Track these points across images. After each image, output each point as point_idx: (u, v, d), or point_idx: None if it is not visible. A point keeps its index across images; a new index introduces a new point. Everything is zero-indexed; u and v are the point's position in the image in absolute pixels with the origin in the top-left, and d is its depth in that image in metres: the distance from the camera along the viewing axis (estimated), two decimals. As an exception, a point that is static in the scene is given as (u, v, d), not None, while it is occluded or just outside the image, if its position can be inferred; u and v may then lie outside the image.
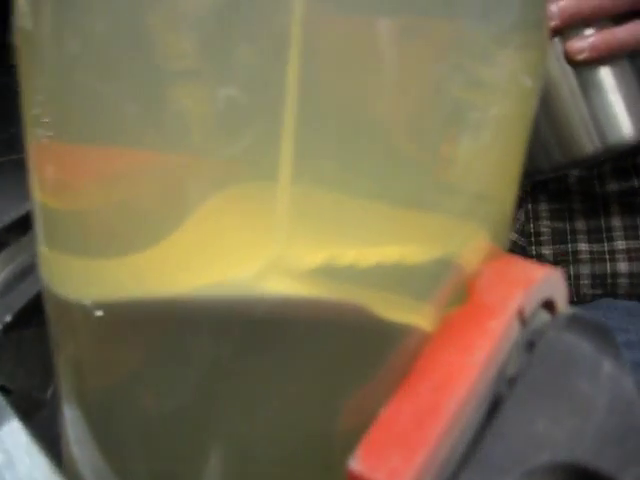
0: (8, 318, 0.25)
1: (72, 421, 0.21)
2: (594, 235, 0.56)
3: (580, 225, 0.56)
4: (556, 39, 0.42)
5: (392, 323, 0.17)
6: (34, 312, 0.26)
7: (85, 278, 0.18)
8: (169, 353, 0.17)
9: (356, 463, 0.15)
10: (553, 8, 0.41)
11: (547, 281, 0.19)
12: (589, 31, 0.42)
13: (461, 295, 0.18)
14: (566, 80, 0.42)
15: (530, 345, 0.18)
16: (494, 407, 0.17)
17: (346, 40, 0.15)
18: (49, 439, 0.25)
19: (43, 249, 0.19)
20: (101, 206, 0.17)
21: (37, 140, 0.18)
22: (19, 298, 0.27)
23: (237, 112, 0.15)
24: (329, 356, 0.17)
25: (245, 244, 0.16)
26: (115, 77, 0.16)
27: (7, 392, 0.25)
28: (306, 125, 0.15)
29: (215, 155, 0.16)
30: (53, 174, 0.19)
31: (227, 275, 0.16)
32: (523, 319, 0.17)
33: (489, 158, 0.18)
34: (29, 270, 0.30)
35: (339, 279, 0.17)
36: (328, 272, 0.16)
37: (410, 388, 0.16)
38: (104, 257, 0.17)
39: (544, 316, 0.19)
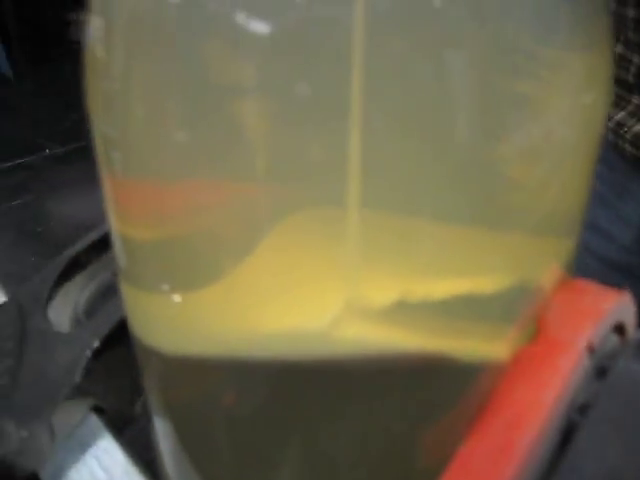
0: (97, 344, 0.27)
1: (163, 435, 0.23)
2: None
3: None
4: None
5: (468, 361, 0.18)
6: (120, 334, 0.28)
7: (158, 320, 0.19)
8: (244, 389, 0.18)
9: None
10: None
11: (617, 308, 0.19)
12: None
13: (533, 327, 0.18)
14: None
15: (600, 371, 0.18)
16: (567, 436, 0.17)
17: (410, 56, 0.15)
18: (139, 453, 0.27)
19: (122, 283, 0.21)
20: (174, 238, 0.18)
21: (111, 172, 0.19)
22: (105, 321, 0.28)
23: (300, 132, 0.15)
24: (407, 397, 0.17)
25: (316, 283, 0.17)
26: (173, 102, 0.16)
27: (101, 411, 0.27)
28: (372, 146, 0.15)
29: (280, 180, 0.16)
30: (131, 207, 0.20)
31: (299, 322, 0.17)
32: (592, 350, 0.18)
33: (559, 180, 0.18)
34: (112, 290, 0.32)
35: (412, 317, 0.17)
36: (400, 310, 0.17)
37: (484, 425, 0.17)
38: (178, 292, 0.18)
39: (613, 339, 0.19)
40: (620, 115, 0.53)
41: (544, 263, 0.19)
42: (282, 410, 0.18)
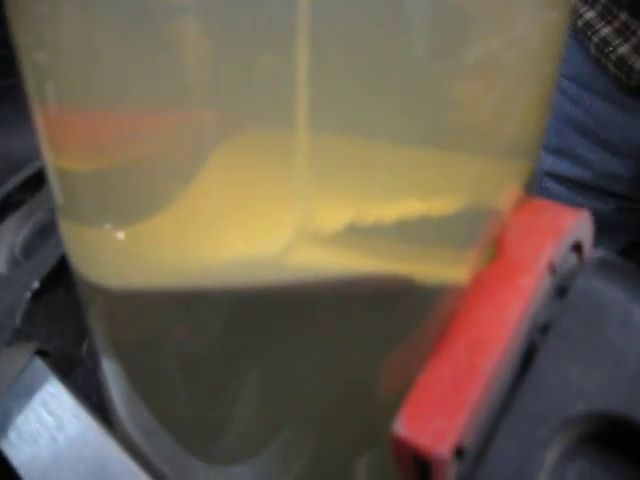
0: (36, 285, 0.26)
1: (113, 376, 0.22)
2: None
3: None
4: None
5: (428, 285, 0.17)
6: (60, 274, 0.27)
7: (103, 255, 0.18)
8: (197, 322, 0.17)
9: (400, 428, 0.16)
10: None
11: (576, 226, 0.19)
12: None
13: (493, 249, 0.18)
14: None
15: (560, 291, 0.18)
16: (528, 357, 0.17)
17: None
18: (88, 396, 0.26)
19: (61, 220, 0.20)
20: (113, 168, 0.17)
21: (44, 103, 0.18)
22: (44, 261, 0.27)
23: (244, 50, 0.15)
24: (365, 324, 0.17)
25: (265, 208, 0.16)
26: (109, 22, 0.15)
27: (45, 355, 0.26)
28: (319, 63, 0.15)
29: (222, 101, 0.15)
30: (66, 139, 0.19)
31: (250, 249, 0.16)
32: (553, 269, 0.18)
33: (516, 100, 0.18)
34: (49, 228, 0.31)
35: (365, 240, 0.17)
36: (354, 233, 0.16)
37: (446, 349, 0.17)
38: (121, 225, 0.17)
39: (572, 258, 0.19)
40: (605, 31, 0.52)
41: (502, 184, 0.18)
42: (236, 342, 0.17)
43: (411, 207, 0.17)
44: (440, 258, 0.17)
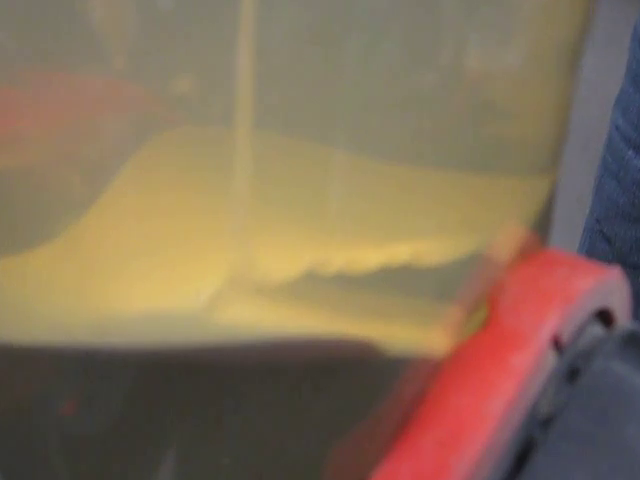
0: None
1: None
2: None
3: None
4: None
5: (393, 354, 0.17)
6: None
7: None
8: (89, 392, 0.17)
9: None
10: None
11: (599, 289, 0.19)
12: None
13: (483, 311, 0.18)
14: None
15: (572, 374, 0.18)
16: (522, 459, 0.17)
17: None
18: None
19: None
20: None
21: None
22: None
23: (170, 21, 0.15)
24: (309, 402, 0.17)
25: (190, 246, 0.16)
26: None
27: None
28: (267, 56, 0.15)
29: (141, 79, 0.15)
30: None
31: (165, 301, 0.16)
32: (560, 345, 0.18)
33: (522, 95, 0.18)
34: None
35: (321, 294, 0.17)
36: (307, 286, 0.16)
37: (410, 443, 0.17)
38: None
39: (596, 331, 0.19)
40: None
41: (500, 219, 0.19)
42: (142, 420, 0.17)
43: (385, 251, 0.17)
44: (412, 318, 0.17)
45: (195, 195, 0.16)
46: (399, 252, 0.17)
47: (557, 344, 0.18)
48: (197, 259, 0.16)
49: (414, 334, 0.17)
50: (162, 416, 0.17)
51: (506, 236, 0.19)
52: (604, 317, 0.20)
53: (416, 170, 0.17)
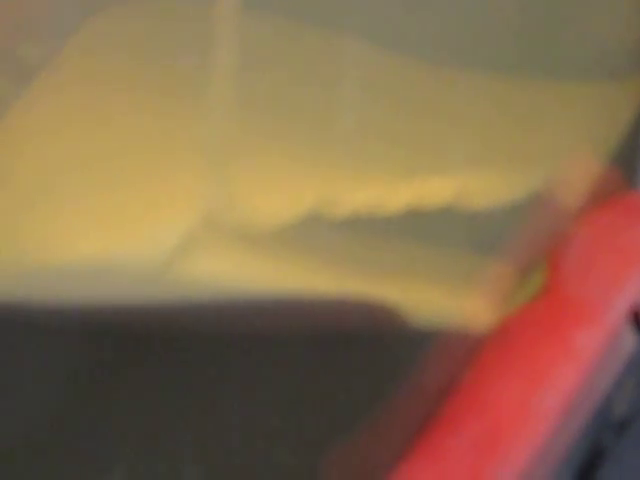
0: None
1: None
2: None
3: None
4: None
5: (418, 324, 0.17)
6: None
7: None
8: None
9: None
10: None
11: None
12: None
13: (540, 275, 0.17)
14: None
15: None
16: (588, 468, 0.16)
17: None
18: None
19: None
20: None
21: None
22: None
23: None
24: (306, 382, 0.16)
25: (148, 175, 0.15)
26: None
27: None
28: None
29: None
30: None
31: (120, 250, 0.15)
32: None
33: None
34: None
35: (332, 245, 0.16)
36: (312, 234, 0.16)
37: (437, 442, 0.16)
38: None
39: None
40: None
41: (567, 149, 0.18)
42: (88, 395, 0.16)
43: (398, 187, 0.16)
44: (446, 280, 0.17)
45: (157, 106, 0.15)
46: (432, 190, 0.16)
47: (637, 320, 0.16)
48: (160, 196, 0.15)
49: (447, 299, 0.17)
50: (114, 393, 0.17)
51: (575, 173, 0.17)
52: None
53: (456, 74, 0.16)
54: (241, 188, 0.15)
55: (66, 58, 0.15)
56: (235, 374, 0.16)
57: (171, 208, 0.15)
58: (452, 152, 0.17)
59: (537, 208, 0.17)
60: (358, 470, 0.16)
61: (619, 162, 0.18)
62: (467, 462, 0.15)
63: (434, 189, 0.16)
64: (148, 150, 0.15)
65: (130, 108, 0.15)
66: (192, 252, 0.15)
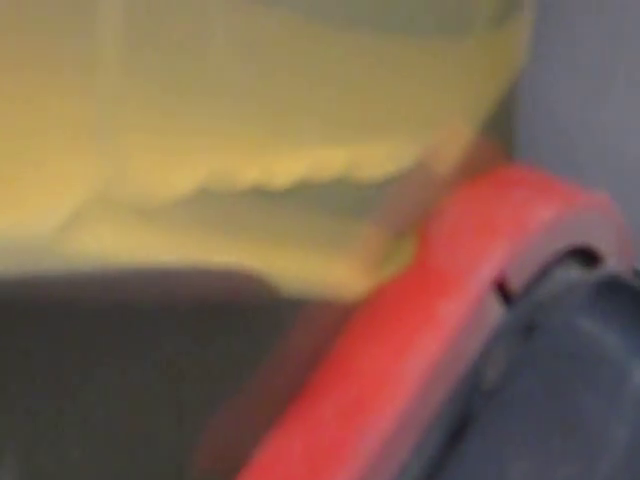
0: None
1: None
2: None
3: None
4: None
5: (288, 292, 0.17)
6: None
7: None
8: None
9: None
10: None
11: (573, 220, 0.19)
12: None
13: (410, 243, 0.18)
14: None
15: (528, 329, 0.18)
16: (456, 435, 0.18)
17: None
18: None
19: None
20: None
21: None
22: None
23: None
24: (174, 352, 0.17)
25: (34, 148, 0.15)
26: None
27: None
28: None
29: None
30: None
31: (7, 220, 0.15)
32: (508, 293, 0.17)
33: None
34: None
35: (219, 218, 0.16)
36: (202, 208, 0.16)
37: (305, 411, 0.17)
38: None
39: (571, 275, 0.19)
40: None
41: (443, 115, 0.18)
42: None
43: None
44: (315, 247, 0.17)
45: (45, 69, 0.15)
46: (324, 162, 0.17)
47: (503, 290, 0.17)
48: (47, 169, 0.15)
49: (316, 267, 0.17)
50: None
51: (447, 142, 0.19)
52: (586, 258, 0.20)
53: (346, 37, 0.17)
54: (133, 163, 0.16)
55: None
56: (114, 344, 0.17)
57: (60, 183, 0.15)
58: (340, 121, 0.17)
59: (410, 177, 0.18)
60: (230, 441, 0.17)
61: (495, 134, 0.19)
62: (333, 429, 0.16)
63: (325, 160, 0.17)
64: (36, 126, 0.15)
65: (20, 84, 0.15)
66: (83, 226, 0.16)
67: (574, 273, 0.19)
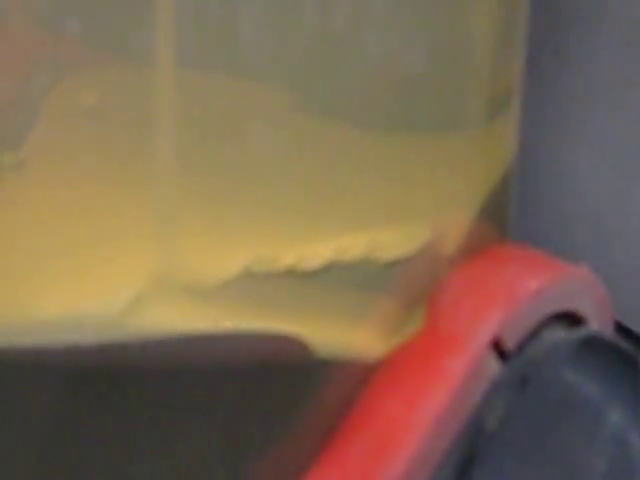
0: None
1: None
2: None
3: None
4: None
5: (324, 354, 0.19)
6: None
7: None
8: None
9: None
10: None
11: (558, 289, 0.21)
12: None
13: (418, 314, 0.21)
14: None
15: (525, 382, 0.20)
16: (465, 471, 0.20)
17: None
18: None
19: None
20: None
21: None
22: None
23: None
24: (226, 410, 0.19)
25: (105, 242, 0.17)
26: None
27: None
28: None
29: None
30: None
31: (78, 305, 0.17)
32: (503, 351, 0.20)
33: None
34: None
35: (262, 295, 0.18)
36: (246, 287, 0.18)
37: (337, 452, 0.19)
38: None
39: (558, 336, 0.21)
40: None
41: (447, 202, 0.20)
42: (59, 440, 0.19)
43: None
44: (344, 317, 0.19)
45: (112, 182, 0.17)
46: (349, 245, 0.19)
47: (499, 349, 0.20)
48: (115, 259, 0.17)
49: (343, 334, 0.19)
50: (81, 431, 0.19)
51: (453, 226, 0.21)
52: (572, 321, 0.22)
53: (368, 135, 0.19)
54: (188, 250, 0.17)
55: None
56: (174, 405, 0.18)
57: (125, 266, 0.17)
58: (362, 209, 0.19)
59: (420, 256, 0.20)
60: None
61: (492, 214, 0.21)
62: (361, 466, 0.19)
63: (349, 244, 0.19)
64: (101, 214, 0.17)
65: (79, 175, 0.17)
66: (146, 304, 0.17)
67: (560, 333, 0.21)
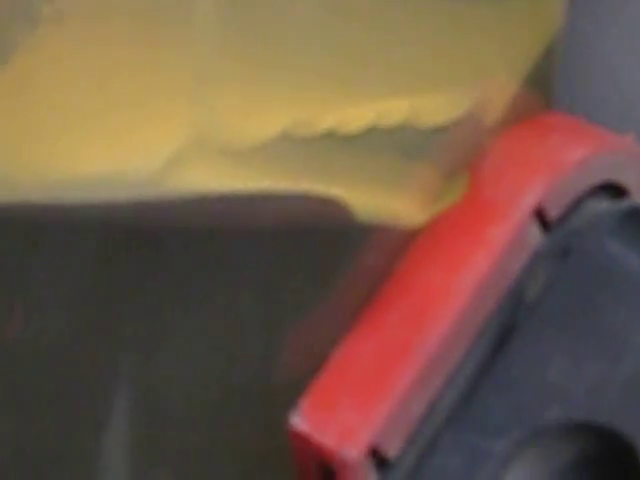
0: None
1: None
2: None
3: None
4: None
5: (363, 218, 0.19)
6: None
7: None
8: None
9: (299, 420, 0.18)
10: None
11: (603, 159, 0.20)
12: None
13: (464, 180, 0.20)
14: None
15: (564, 253, 0.20)
16: (501, 342, 0.20)
17: None
18: None
19: None
20: None
21: None
22: None
23: None
24: (266, 271, 0.19)
25: (143, 102, 0.17)
26: None
27: None
28: None
29: None
30: None
31: (116, 163, 0.17)
32: (546, 221, 0.19)
33: None
34: None
35: (300, 158, 0.18)
36: (284, 150, 0.18)
37: (374, 319, 0.19)
38: None
39: (601, 207, 0.21)
40: None
41: (491, 68, 0.20)
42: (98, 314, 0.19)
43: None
44: (384, 182, 0.19)
45: (151, 42, 0.17)
46: (393, 109, 0.19)
47: (542, 218, 0.19)
48: (154, 119, 0.17)
49: (383, 200, 0.19)
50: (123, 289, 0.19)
51: (496, 93, 0.20)
52: (616, 192, 0.21)
53: (402, 2, 0.18)
54: (225, 111, 0.17)
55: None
56: (217, 265, 0.19)
57: (163, 126, 0.17)
58: (403, 75, 0.19)
59: (462, 123, 0.20)
60: (310, 347, 0.19)
61: (537, 84, 0.21)
62: (398, 334, 0.18)
63: (390, 109, 0.19)
64: (140, 74, 0.17)
65: (121, 37, 0.17)
66: (182, 164, 0.17)
67: (604, 204, 0.21)
